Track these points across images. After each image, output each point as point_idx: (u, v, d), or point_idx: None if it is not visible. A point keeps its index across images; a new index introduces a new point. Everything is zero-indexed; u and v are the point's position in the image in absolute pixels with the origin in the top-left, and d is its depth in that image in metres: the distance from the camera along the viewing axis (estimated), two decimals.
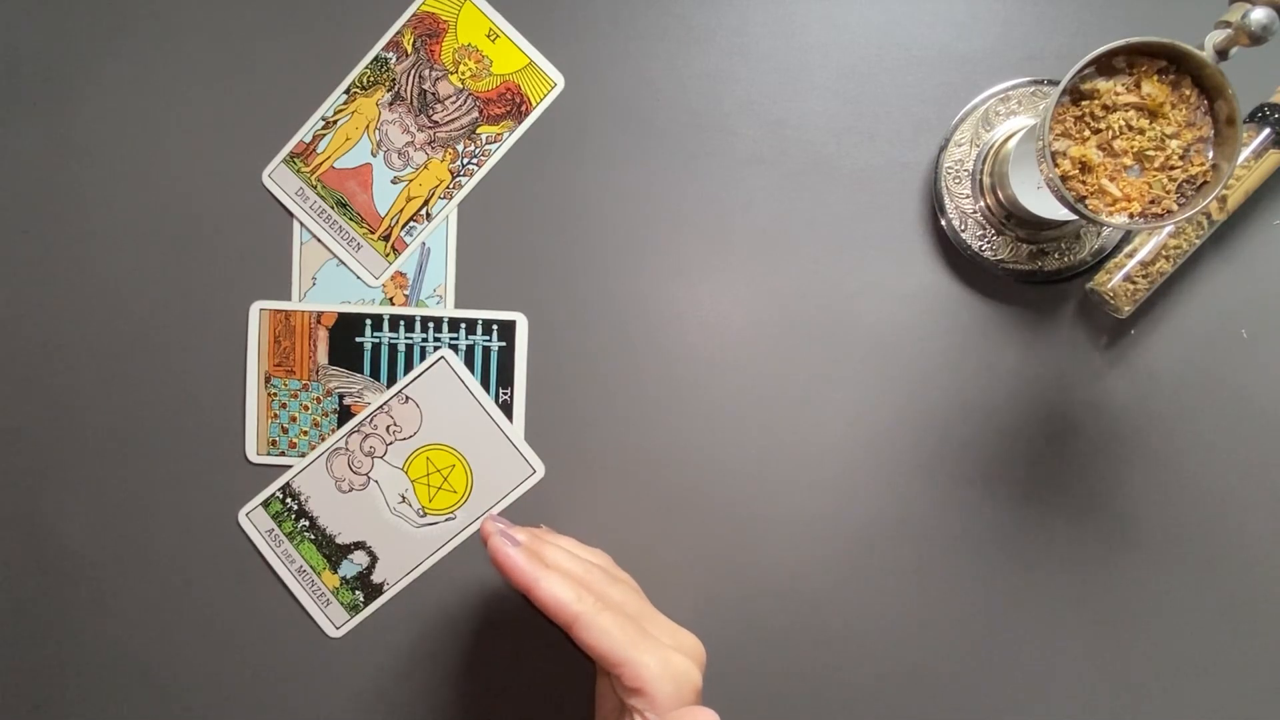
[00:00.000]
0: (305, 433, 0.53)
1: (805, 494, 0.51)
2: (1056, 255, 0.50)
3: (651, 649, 0.40)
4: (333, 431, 0.52)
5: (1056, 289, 0.51)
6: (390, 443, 0.52)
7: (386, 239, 0.52)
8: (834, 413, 0.51)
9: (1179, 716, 0.51)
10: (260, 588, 0.53)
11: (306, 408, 0.53)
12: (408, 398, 0.52)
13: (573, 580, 0.42)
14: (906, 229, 0.51)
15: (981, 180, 0.50)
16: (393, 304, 0.52)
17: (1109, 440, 0.50)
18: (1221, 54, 0.38)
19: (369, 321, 0.52)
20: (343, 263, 0.53)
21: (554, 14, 0.52)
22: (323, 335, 0.52)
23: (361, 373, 0.52)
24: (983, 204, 0.50)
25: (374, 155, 0.53)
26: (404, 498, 0.52)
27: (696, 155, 0.52)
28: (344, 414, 0.52)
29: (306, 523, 0.53)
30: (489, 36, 0.52)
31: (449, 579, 0.52)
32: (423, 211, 0.52)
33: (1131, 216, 0.40)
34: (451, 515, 0.52)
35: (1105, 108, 0.40)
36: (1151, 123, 0.40)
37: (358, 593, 0.52)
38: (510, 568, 0.41)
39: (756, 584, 0.51)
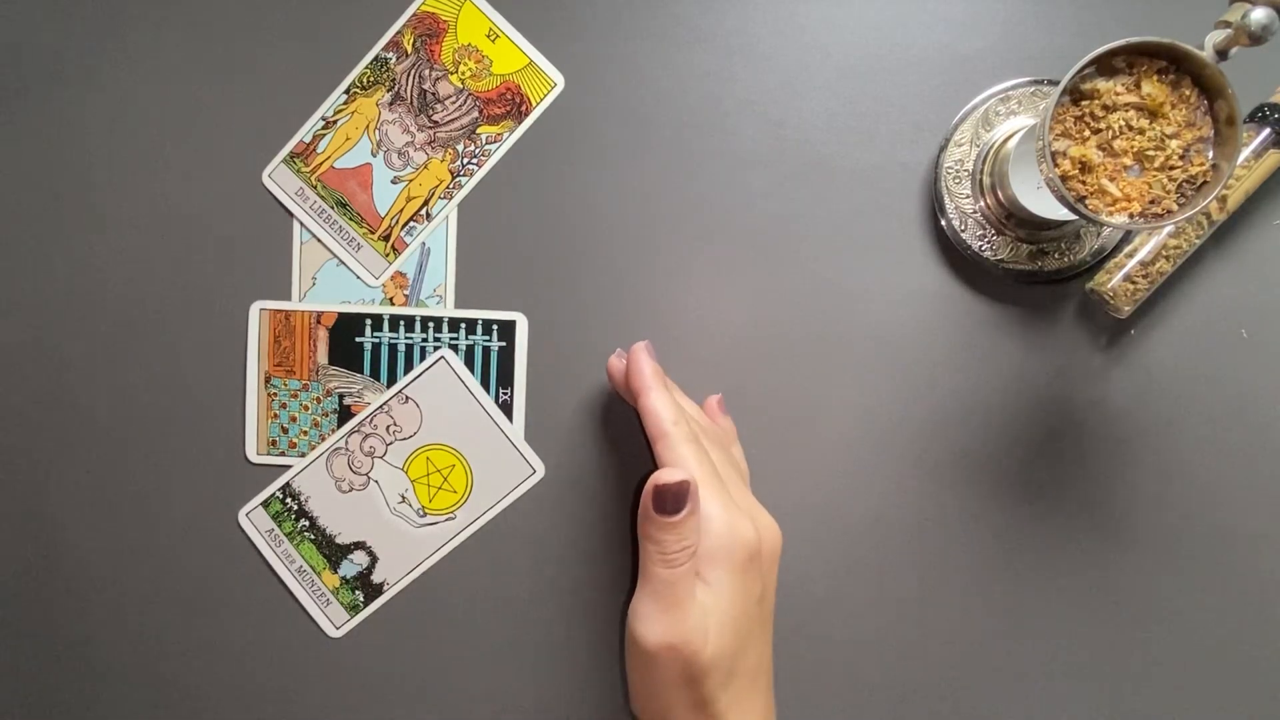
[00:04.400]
0: (305, 433, 0.53)
1: (805, 493, 0.51)
2: (1056, 255, 0.50)
3: (720, 495, 0.41)
4: (333, 431, 0.52)
5: (1056, 289, 0.51)
6: (390, 443, 0.52)
7: (386, 239, 0.52)
8: (833, 412, 0.51)
9: (1179, 716, 0.51)
10: (260, 588, 0.53)
11: (306, 408, 0.53)
12: (408, 398, 0.52)
13: (685, 410, 0.44)
14: (906, 229, 0.51)
15: (981, 180, 0.50)
16: (393, 304, 0.52)
17: (1109, 440, 0.50)
18: (1221, 54, 0.38)
19: (369, 321, 0.52)
20: (343, 263, 0.53)
21: (554, 14, 0.52)
22: (323, 335, 0.53)
23: (361, 373, 0.52)
24: (983, 204, 0.50)
25: (374, 155, 0.53)
26: (404, 498, 0.52)
27: (696, 155, 0.52)
28: (344, 414, 0.52)
29: (306, 523, 0.53)
30: (489, 36, 0.52)
31: (449, 579, 0.52)
32: (423, 211, 0.52)
33: (1131, 216, 0.40)
34: (451, 515, 0.52)
35: (1105, 108, 0.40)
36: (1151, 123, 0.40)
37: (358, 593, 0.52)
38: (637, 368, 0.44)
39: None
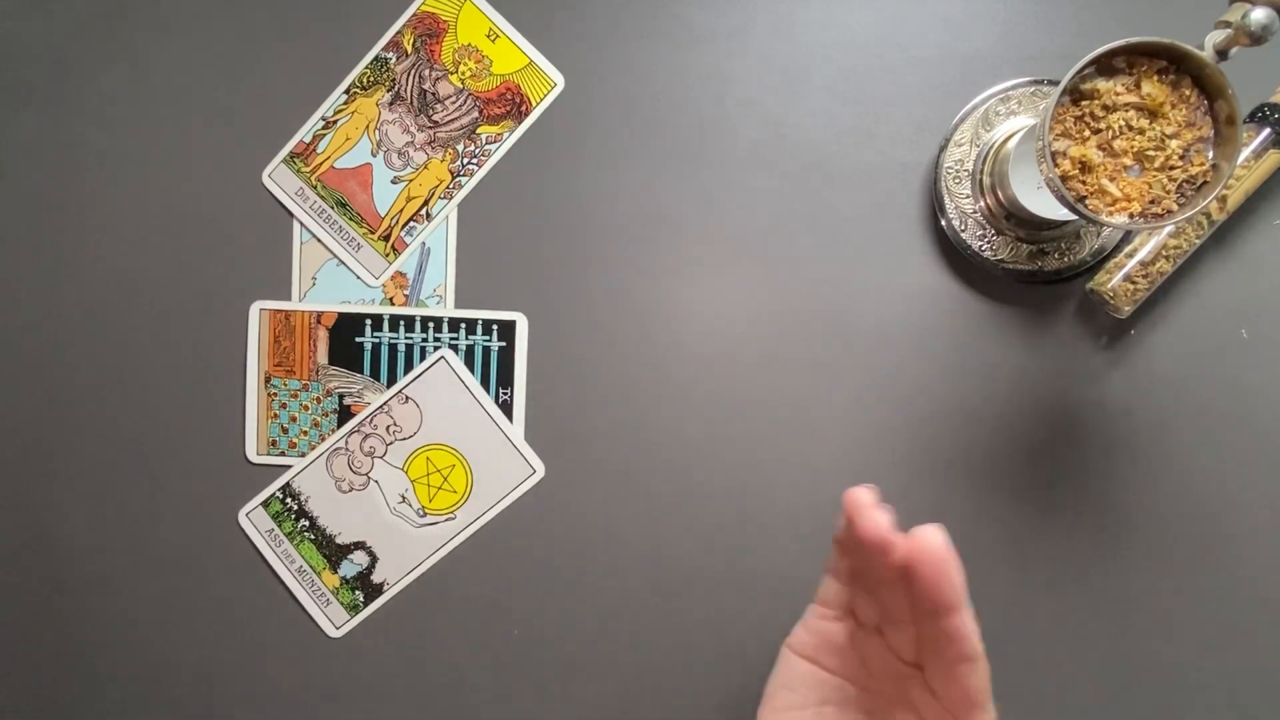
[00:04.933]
0: (305, 433, 0.53)
1: (805, 493, 0.51)
2: (1056, 255, 0.50)
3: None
4: (333, 431, 0.52)
5: (1056, 289, 0.51)
6: (390, 443, 0.52)
7: (386, 239, 0.52)
8: (834, 412, 0.51)
9: (1179, 715, 0.51)
10: (260, 588, 0.53)
11: (306, 408, 0.53)
12: (408, 398, 0.52)
13: None
14: (906, 229, 0.51)
15: (981, 180, 0.50)
16: (393, 304, 0.52)
17: (1109, 440, 0.50)
18: (1221, 54, 0.38)
19: (369, 321, 0.52)
20: (343, 263, 0.53)
21: (554, 14, 0.52)
22: (323, 335, 0.52)
23: (361, 373, 0.52)
24: (983, 204, 0.50)
25: (374, 155, 0.53)
26: (404, 498, 0.52)
27: (696, 155, 0.52)
28: (344, 414, 0.52)
29: (306, 523, 0.53)
30: (489, 36, 0.52)
31: (449, 579, 0.52)
32: (423, 211, 0.52)
33: (1131, 216, 0.40)
34: (451, 515, 0.52)
35: (1105, 108, 0.40)
36: (1151, 123, 0.40)
37: (358, 593, 0.52)
38: (953, 579, 0.35)
39: (757, 583, 0.51)
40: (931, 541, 0.34)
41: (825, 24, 0.51)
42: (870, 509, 0.35)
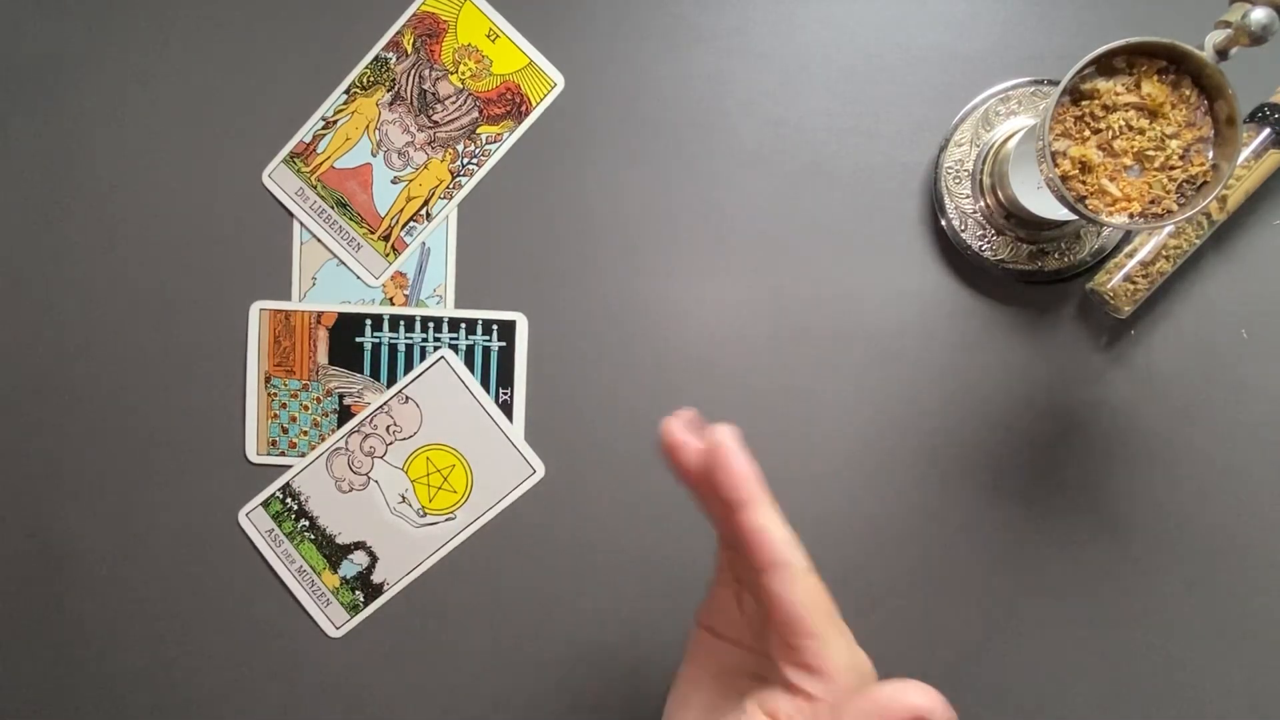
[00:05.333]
0: (305, 433, 0.53)
1: (805, 493, 0.51)
2: (1056, 255, 0.50)
3: (843, 631, 0.34)
4: (333, 431, 0.52)
5: (1056, 289, 0.51)
6: (390, 443, 0.52)
7: (386, 239, 0.52)
8: (834, 412, 0.51)
9: (1179, 715, 0.51)
10: (260, 588, 0.53)
11: (306, 408, 0.53)
12: (408, 398, 0.52)
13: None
14: (906, 229, 0.51)
15: (981, 180, 0.50)
16: (393, 304, 0.52)
17: (1109, 440, 0.50)
18: (1221, 54, 0.38)
19: (369, 321, 0.52)
20: (343, 263, 0.53)
21: (554, 14, 0.52)
22: (323, 335, 0.52)
23: (361, 373, 0.52)
24: (983, 204, 0.50)
25: (374, 155, 0.53)
26: (404, 498, 0.52)
27: (696, 155, 0.52)
28: (344, 414, 0.52)
29: (306, 523, 0.53)
30: (489, 36, 0.52)
31: (449, 579, 0.52)
32: (423, 211, 0.52)
33: (1131, 216, 0.40)
34: (451, 515, 0.52)
35: (1105, 108, 0.40)
36: (1151, 123, 0.40)
37: (358, 593, 0.52)
38: (734, 471, 0.33)
39: None
40: (719, 434, 0.33)
41: (825, 24, 0.51)
42: (671, 421, 0.35)
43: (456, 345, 0.52)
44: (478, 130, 0.52)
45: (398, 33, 0.52)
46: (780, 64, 0.51)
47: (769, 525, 0.33)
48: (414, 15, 0.52)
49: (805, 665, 0.33)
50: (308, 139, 0.53)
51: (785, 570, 0.33)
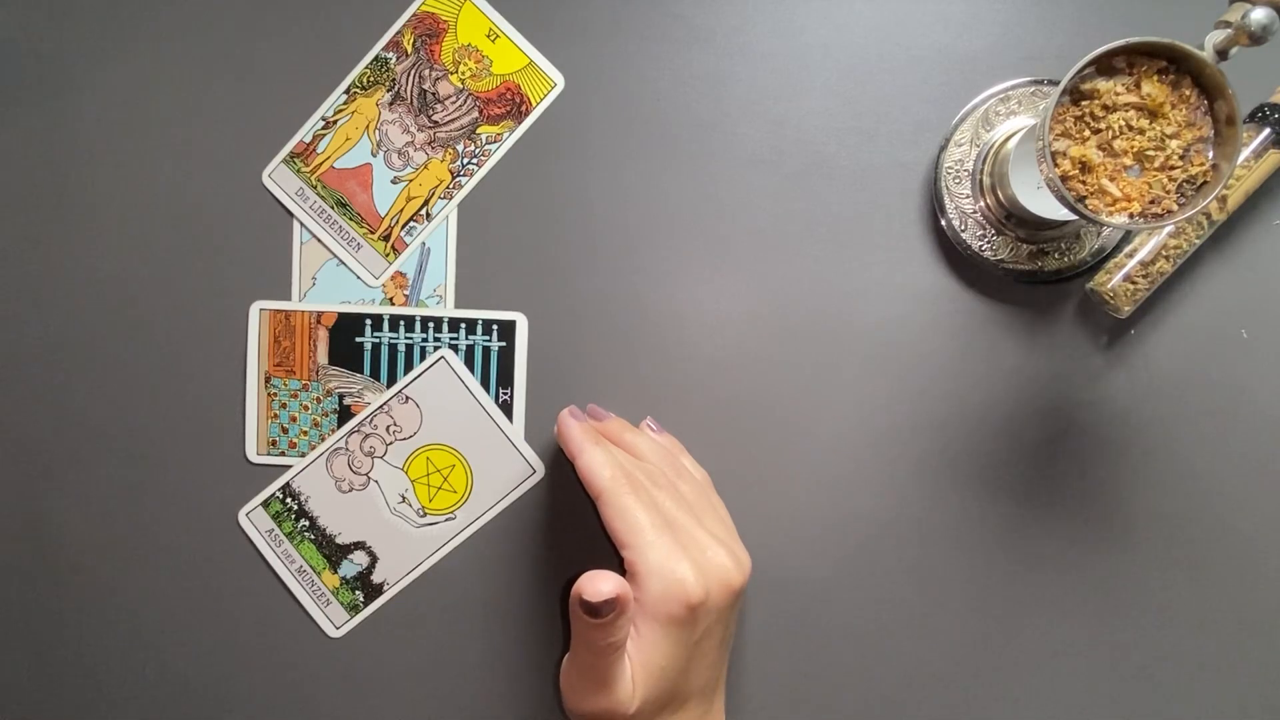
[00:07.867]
0: (305, 433, 0.53)
1: (804, 493, 0.51)
2: (1056, 255, 0.50)
3: (662, 545, 0.40)
4: (333, 431, 0.52)
5: (1056, 289, 0.51)
6: (390, 443, 0.52)
7: (386, 239, 0.52)
8: (833, 412, 0.51)
9: (1179, 715, 0.51)
10: (260, 588, 0.53)
11: (306, 408, 0.53)
12: (408, 398, 0.52)
13: (619, 462, 0.43)
14: (906, 229, 0.51)
15: (981, 180, 0.50)
16: (393, 304, 0.52)
17: (1109, 440, 0.50)
18: (1221, 54, 0.38)
19: (369, 321, 0.52)
20: (343, 263, 0.53)
21: (554, 14, 0.52)
22: (323, 335, 0.53)
23: (361, 373, 0.52)
24: (983, 204, 0.50)
25: (374, 155, 0.53)
26: (404, 498, 0.52)
27: (696, 155, 0.52)
28: (344, 414, 0.52)
29: (306, 523, 0.53)
30: (489, 36, 0.52)
31: (449, 579, 0.52)
32: (423, 211, 0.52)
33: (1131, 216, 0.40)
34: (451, 515, 0.52)
35: (1105, 108, 0.40)
36: (1151, 123, 0.40)
37: (358, 593, 0.52)
38: (565, 435, 0.45)
39: (756, 583, 0.51)
40: (560, 414, 0.46)
41: (825, 24, 0.51)
42: (561, 414, 0.46)
43: (456, 345, 0.52)
44: (478, 130, 0.52)
45: (398, 33, 0.52)
46: (780, 64, 0.51)
47: (592, 464, 0.43)
48: (414, 15, 0.52)
49: (627, 573, 0.41)
50: (308, 139, 0.53)
51: (604, 495, 0.42)
